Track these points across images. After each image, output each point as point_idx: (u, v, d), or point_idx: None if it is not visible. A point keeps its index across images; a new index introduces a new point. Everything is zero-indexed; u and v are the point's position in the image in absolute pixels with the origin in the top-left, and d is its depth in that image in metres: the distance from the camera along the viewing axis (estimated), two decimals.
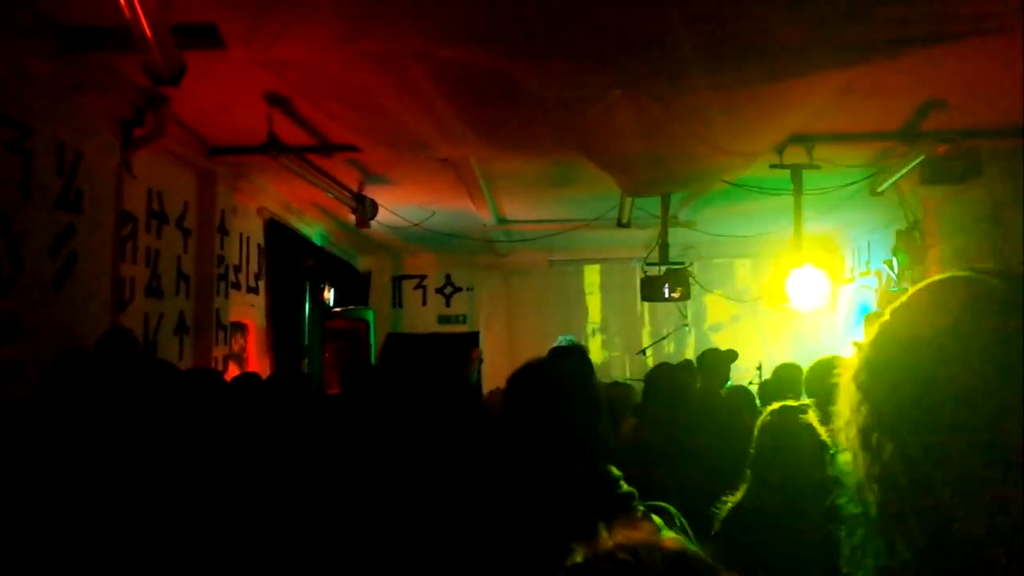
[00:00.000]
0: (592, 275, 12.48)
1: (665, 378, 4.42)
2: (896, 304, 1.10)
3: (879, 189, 7.12)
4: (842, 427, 1.13)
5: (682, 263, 8.20)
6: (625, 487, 2.13)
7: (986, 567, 0.95)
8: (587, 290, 12.48)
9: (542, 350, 10.57)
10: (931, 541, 1.00)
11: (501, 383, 8.00)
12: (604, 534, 1.04)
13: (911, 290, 1.09)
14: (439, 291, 12.47)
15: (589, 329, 12.31)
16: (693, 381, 5.30)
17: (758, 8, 3.11)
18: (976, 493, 0.96)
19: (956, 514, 0.97)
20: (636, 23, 3.30)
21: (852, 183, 7.28)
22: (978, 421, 0.96)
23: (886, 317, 1.10)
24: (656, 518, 2.12)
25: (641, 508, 2.11)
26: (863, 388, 1.08)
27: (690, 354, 10.57)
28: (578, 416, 2.13)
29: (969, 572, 0.96)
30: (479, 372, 10.07)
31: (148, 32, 3.64)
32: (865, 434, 1.07)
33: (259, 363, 8.10)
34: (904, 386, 1.02)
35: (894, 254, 8.03)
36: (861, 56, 3.63)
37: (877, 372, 1.07)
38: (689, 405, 4.42)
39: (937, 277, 1.08)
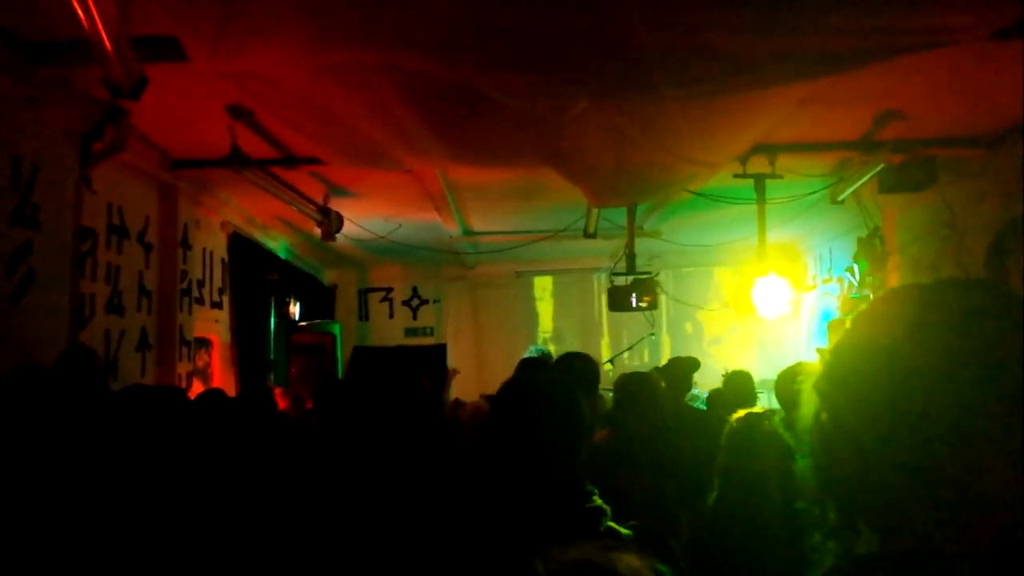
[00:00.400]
0: (558, 285, 12.50)
1: (637, 387, 4.42)
2: (857, 313, 1.14)
3: (839, 198, 7.24)
4: (804, 432, 1.16)
5: (649, 272, 8.25)
6: (597, 501, 2.12)
7: (937, 562, 0.98)
8: (554, 301, 12.49)
9: (510, 361, 10.58)
10: (884, 541, 1.04)
11: (469, 394, 7.96)
12: (554, 552, 1.05)
13: (872, 299, 1.13)
14: (406, 303, 12.41)
15: (555, 339, 12.31)
16: (661, 390, 5.32)
17: (722, 18, 3.15)
18: (933, 493, 0.99)
19: (911, 514, 1.01)
20: (601, 34, 3.32)
21: (813, 192, 7.39)
22: (935, 427, 0.99)
23: (847, 326, 1.14)
24: (625, 531, 2.11)
25: (609, 524, 2.10)
26: (823, 395, 1.11)
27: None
28: (556, 432, 2.12)
29: (920, 567, 0.99)
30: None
31: (108, 45, 3.58)
32: (824, 439, 1.10)
33: (224, 379, 7.99)
34: (863, 392, 1.04)
35: (855, 261, 8.15)
36: (824, 68, 3.68)
37: (837, 379, 1.09)
38: (662, 414, 4.44)
39: (896, 287, 1.13)
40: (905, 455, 1.01)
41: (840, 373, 1.10)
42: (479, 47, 3.47)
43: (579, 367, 4.03)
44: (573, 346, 12.14)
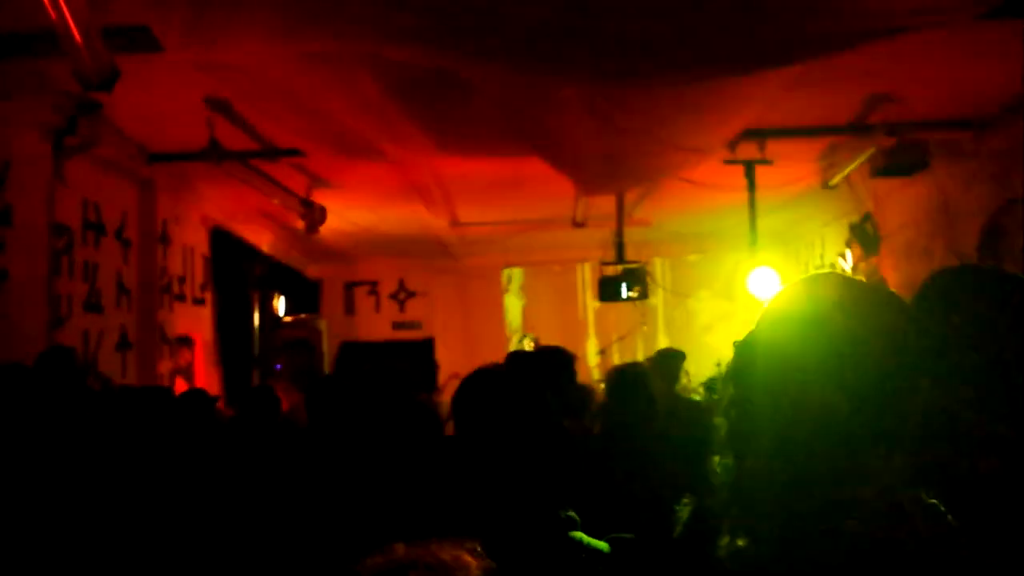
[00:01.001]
0: (547, 276, 12.39)
1: (627, 378, 4.33)
2: (777, 292, 1.24)
3: (831, 183, 7.16)
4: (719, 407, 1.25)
5: (638, 262, 8.16)
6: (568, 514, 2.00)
7: (839, 539, 1.01)
8: (543, 291, 12.38)
9: (499, 354, 10.49)
10: (788, 516, 1.07)
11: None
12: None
13: (793, 281, 1.25)
14: (392, 296, 12.28)
15: (544, 329, 12.20)
16: (653, 380, 5.25)
17: (708, 2, 3.05)
18: (835, 467, 1.05)
19: (815, 487, 1.06)
20: (586, 20, 3.21)
21: (804, 177, 7.32)
22: (837, 398, 1.06)
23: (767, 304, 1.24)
24: (599, 544, 2.00)
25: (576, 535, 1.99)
26: (734, 364, 1.23)
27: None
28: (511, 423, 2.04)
29: (821, 543, 1.02)
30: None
31: (76, 35, 3.44)
32: (730, 412, 1.21)
33: (207, 377, 7.85)
34: (769, 362, 1.14)
35: (847, 246, 8.10)
36: (811, 50, 3.59)
37: (748, 349, 1.20)
38: (654, 404, 4.35)
39: (814, 274, 1.24)
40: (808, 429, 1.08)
41: (751, 344, 1.20)
42: (460, 34, 3.36)
43: (549, 359, 3.99)
44: (562, 337, 12.08)
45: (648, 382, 4.61)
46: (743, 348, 1.22)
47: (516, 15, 3.30)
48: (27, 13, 3.85)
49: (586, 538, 1.94)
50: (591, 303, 12.03)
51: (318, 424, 3.64)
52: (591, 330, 12.11)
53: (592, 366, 11.42)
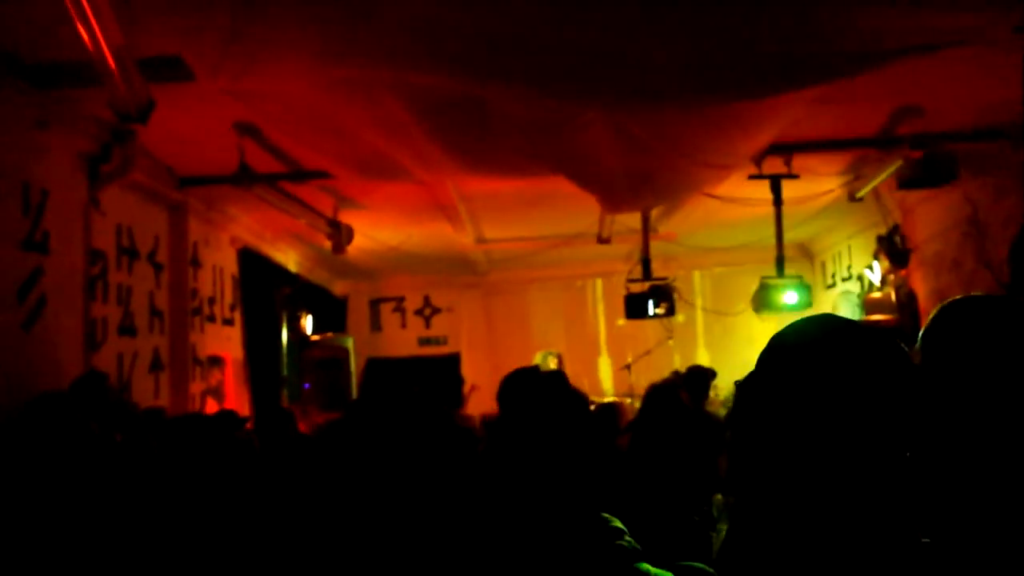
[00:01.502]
0: (573, 290, 12.37)
1: (660, 396, 4.35)
2: (779, 331, 1.28)
3: (858, 195, 7.12)
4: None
5: (665, 278, 8.14)
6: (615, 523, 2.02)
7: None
8: (568, 306, 12.35)
9: None
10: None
11: (485, 403, 7.84)
12: None
13: (792, 320, 1.29)
14: (418, 313, 12.33)
15: (570, 344, 12.18)
16: (682, 399, 5.25)
17: (733, 26, 3.06)
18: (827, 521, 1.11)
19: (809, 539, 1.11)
20: (610, 45, 3.23)
21: (830, 190, 7.28)
22: (829, 455, 1.11)
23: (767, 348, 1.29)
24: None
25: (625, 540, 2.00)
26: (734, 408, 1.44)
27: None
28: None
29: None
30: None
31: (113, 68, 3.52)
32: (732, 454, 1.32)
33: (237, 397, 7.93)
34: (765, 410, 1.19)
35: (875, 258, 8.03)
36: (842, 69, 3.59)
37: (746, 393, 1.25)
38: (683, 421, 4.36)
39: (811, 315, 1.31)
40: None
41: (738, 411, 1.30)
42: (488, 60, 3.40)
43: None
44: (589, 351, 12.06)
45: (676, 399, 4.63)
46: (743, 391, 1.25)
47: (539, 40, 3.33)
48: (65, 46, 3.95)
49: (653, 569, 1.93)
50: (602, 318, 12.05)
51: (350, 450, 3.66)
52: (603, 347, 12.08)
53: (606, 382, 11.41)
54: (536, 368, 2.43)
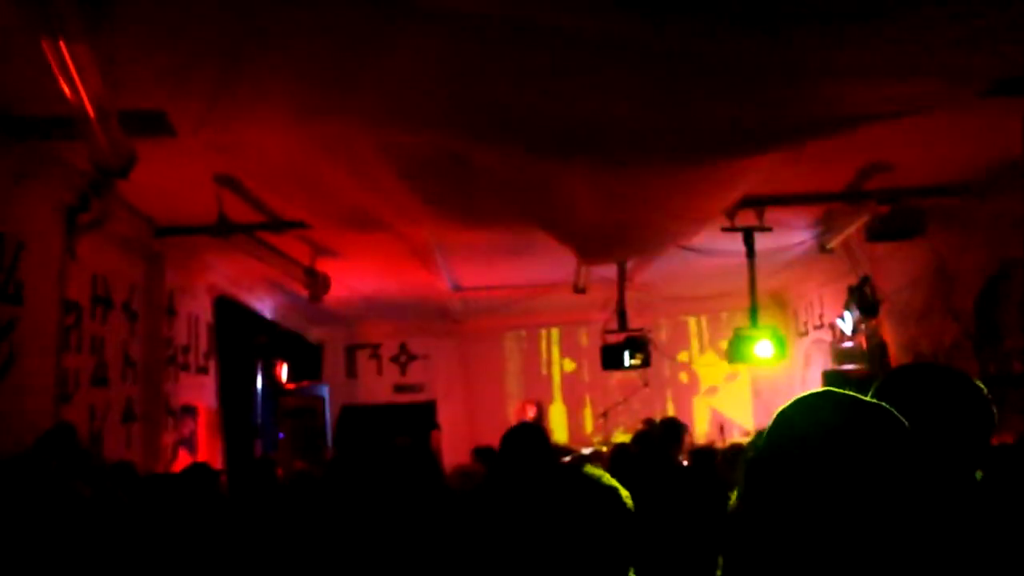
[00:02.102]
0: (550, 340, 12.39)
1: (651, 447, 4.37)
2: (780, 408, 1.35)
3: (828, 246, 7.26)
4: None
5: (641, 329, 8.21)
6: None
7: None
8: (546, 355, 12.37)
9: (502, 417, 10.46)
10: None
11: (461, 452, 7.83)
12: None
13: (796, 397, 1.36)
14: (394, 360, 12.28)
15: (550, 394, 12.17)
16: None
17: (706, 96, 3.16)
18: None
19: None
20: (588, 111, 3.32)
21: (802, 241, 7.42)
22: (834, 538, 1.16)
23: (774, 418, 1.35)
24: None
25: None
26: (744, 485, 1.33)
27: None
28: None
29: None
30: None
31: (96, 125, 3.54)
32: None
33: (210, 447, 7.83)
34: (773, 492, 1.25)
35: (846, 308, 8.16)
36: (811, 133, 3.71)
37: (755, 472, 1.31)
38: (674, 475, 4.38)
39: (811, 392, 1.37)
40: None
41: (762, 451, 1.31)
42: (469, 124, 3.47)
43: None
44: (566, 399, 12.06)
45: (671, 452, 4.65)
46: (754, 471, 1.29)
47: (520, 106, 3.41)
48: (46, 99, 3.96)
49: None
50: (556, 366, 12.11)
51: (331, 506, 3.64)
52: (557, 394, 12.11)
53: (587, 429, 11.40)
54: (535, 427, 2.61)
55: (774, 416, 1.34)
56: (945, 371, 1.98)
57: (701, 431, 10.36)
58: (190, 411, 7.52)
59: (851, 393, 1.34)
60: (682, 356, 11.80)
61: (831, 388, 1.37)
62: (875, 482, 1.18)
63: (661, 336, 11.26)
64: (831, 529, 1.18)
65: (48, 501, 3.49)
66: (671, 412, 10.65)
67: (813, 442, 1.24)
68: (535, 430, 3.68)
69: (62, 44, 3.34)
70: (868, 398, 1.34)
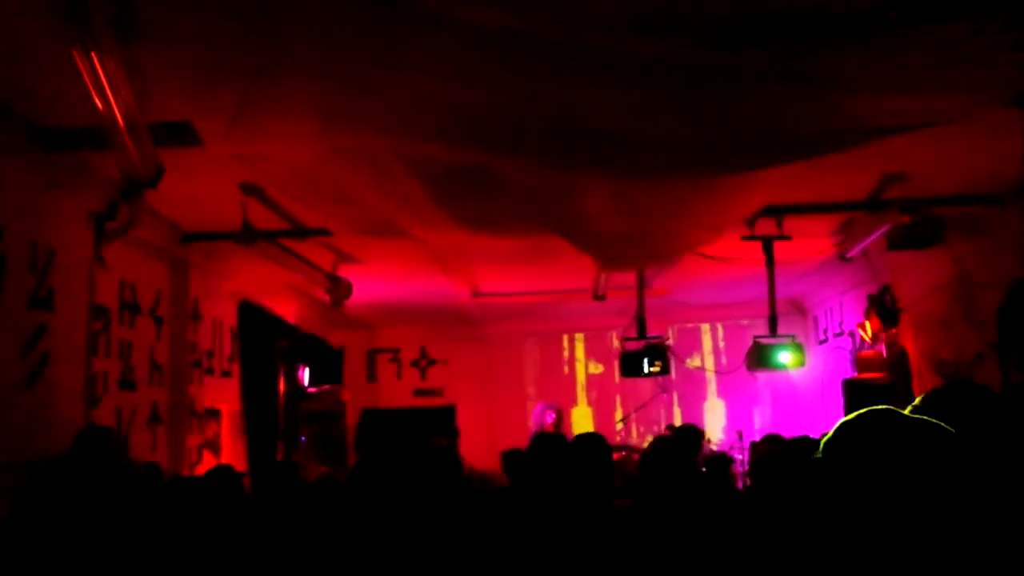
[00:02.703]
0: (573, 344, 12.43)
1: (667, 454, 4.37)
2: (847, 421, 1.47)
3: (847, 255, 7.25)
4: None
5: (660, 337, 8.23)
6: None
7: None
8: (565, 360, 12.41)
9: (521, 422, 10.50)
10: None
11: (480, 456, 7.90)
12: None
13: (842, 422, 1.48)
14: (414, 364, 12.36)
15: (574, 397, 12.20)
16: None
17: (728, 107, 3.20)
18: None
19: None
20: (607, 122, 3.36)
21: (821, 251, 7.41)
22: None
23: (828, 437, 1.48)
24: None
25: None
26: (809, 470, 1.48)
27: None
28: None
29: None
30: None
31: (126, 136, 3.64)
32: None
33: (234, 449, 7.93)
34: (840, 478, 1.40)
35: (866, 316, 8.13)
36: (831, 146, 3.73)
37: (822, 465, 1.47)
38: (690, 483, 4.38)
39: (860, 412, 1.48)
40: None
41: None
42: (492, 135, 3.53)
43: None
44: (592, 401, 12.09)
45: (687, 460, 4.68)
46: (812, 472, 1.45)
47: (538, 118, 3.46)
48: (76, 111, 4.07)
49: None
50: (580, 368, 12.13)
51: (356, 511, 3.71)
52: (582, 396, 12.13)
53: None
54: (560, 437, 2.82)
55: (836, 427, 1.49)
56: (981, 391, 2.03)
57: (719, 438, 10.33)
58: (214, 414, 7.63)
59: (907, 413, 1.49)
60: (701, 363, 11.80)
61: (889, 409, 1.50)
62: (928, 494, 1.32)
63: (680, 343, 11.26)
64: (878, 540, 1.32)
65: (91, 502, 3.59)
66: (689, 418, 10.64)
67: (871, 454, 1.39)
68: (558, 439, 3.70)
69: (94, 57, 3.44)
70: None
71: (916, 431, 1.38)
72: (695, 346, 11.88)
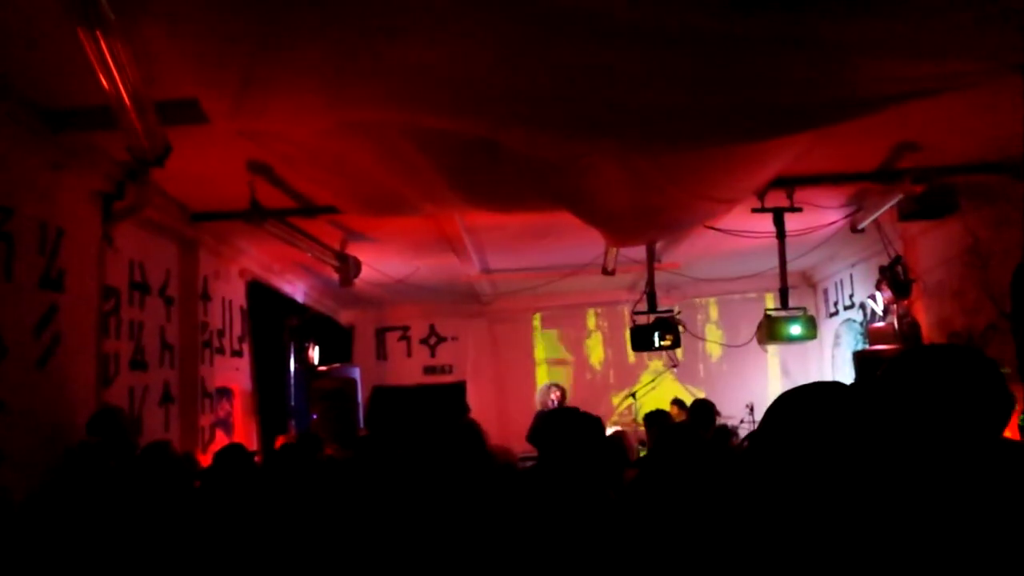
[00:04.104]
0: (580, 320, 12.43)
1: (678, 428, 4.38)
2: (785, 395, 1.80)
3: (859, 227, 7.19)
4: None
5: (671, 310, 8.20)
6: None
7: None
8: (575, 336, 12.40)
9: (529, 398, 10.51)
10: None
11: (491, 432, 7.94)
12: None
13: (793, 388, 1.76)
14: (423, 341, 12.38)
15: (576, 373, 12.22)
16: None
17: (739, 76, 3.15)
18: None
19: None
20: (618, 93, 3.32)
21: (833, 222, 7.36)
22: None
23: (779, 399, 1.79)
24: None
25: None
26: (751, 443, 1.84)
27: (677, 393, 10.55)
28: None
29: None
30: None
31: (133, 115, 3.61)
32: None
33: (245, 428, 7.97)
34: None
35: (877, 288, 8.08)
36: (843, 113, 3.68)
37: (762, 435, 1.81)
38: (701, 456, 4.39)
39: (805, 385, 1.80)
40: None
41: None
42: (499, 107, 3.49)
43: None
44: (596, 379, 12.09)
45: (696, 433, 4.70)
46: (754, 444, 1.57)
47: (549, 88, 3.42)
48: (84, 91, 4.05)
49: None
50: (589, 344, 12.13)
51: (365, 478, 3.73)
52: (587, 373, 12.12)
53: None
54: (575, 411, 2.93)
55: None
56: (960, 354, 1.86)
57: (730, 411, 10.33)
58: (226, 393, 7.66)
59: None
60: (711, 336, 11.78)
61: (826, 381, 1.76)
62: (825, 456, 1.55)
63: (691, 316, 11.23)
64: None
65: (114, 487, 3.62)
66: (700, 393, 10.64)
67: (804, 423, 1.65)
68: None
69: (99, 36, 3.41)
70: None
71: (840, 401, 1.63)
72: (706, 320, 11.86)
